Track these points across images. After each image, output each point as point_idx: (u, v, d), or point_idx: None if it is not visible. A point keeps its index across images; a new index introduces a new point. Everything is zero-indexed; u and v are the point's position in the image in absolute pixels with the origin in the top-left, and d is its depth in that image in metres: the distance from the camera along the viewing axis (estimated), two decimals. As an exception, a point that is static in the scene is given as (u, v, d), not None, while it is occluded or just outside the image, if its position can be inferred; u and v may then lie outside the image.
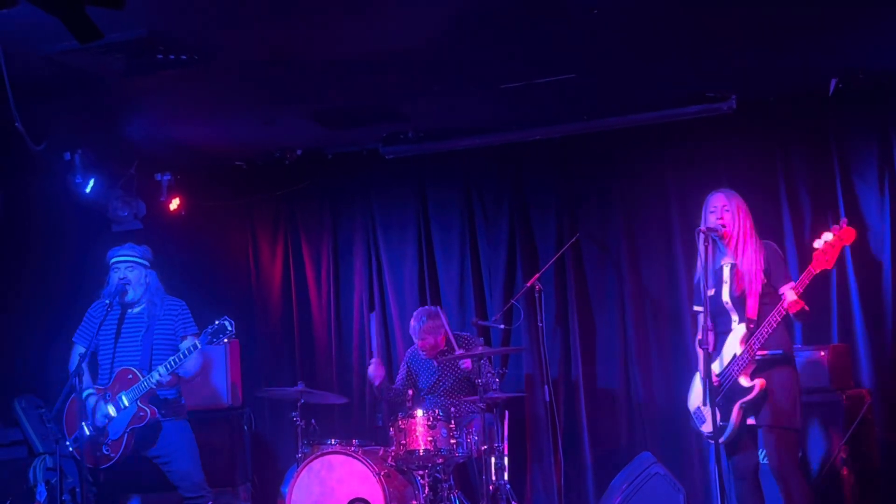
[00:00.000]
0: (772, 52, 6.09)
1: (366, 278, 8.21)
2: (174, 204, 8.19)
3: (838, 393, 6.28)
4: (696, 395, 5.42)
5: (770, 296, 5.10)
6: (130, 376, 5.56)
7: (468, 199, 7.98)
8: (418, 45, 5.69)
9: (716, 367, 5.12)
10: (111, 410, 5.54)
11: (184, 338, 5.74)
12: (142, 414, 5.52)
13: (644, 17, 5.41)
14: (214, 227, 8.58)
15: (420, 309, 7.13)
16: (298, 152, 8.02)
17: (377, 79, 6.30)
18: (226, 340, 5.61)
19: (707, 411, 5.14)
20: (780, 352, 5.08)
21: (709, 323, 4.99)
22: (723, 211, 5.22)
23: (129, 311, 5.77)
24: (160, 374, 5.47)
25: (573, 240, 7.42)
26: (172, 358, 5.51)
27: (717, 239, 5.24)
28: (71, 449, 5.60)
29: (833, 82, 6.59)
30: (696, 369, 5.48)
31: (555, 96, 6.79)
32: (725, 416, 5.09)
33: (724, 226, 5.19)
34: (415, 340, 7.04)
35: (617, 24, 5.48)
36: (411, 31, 5.45)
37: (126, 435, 5.53)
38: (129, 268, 5.74)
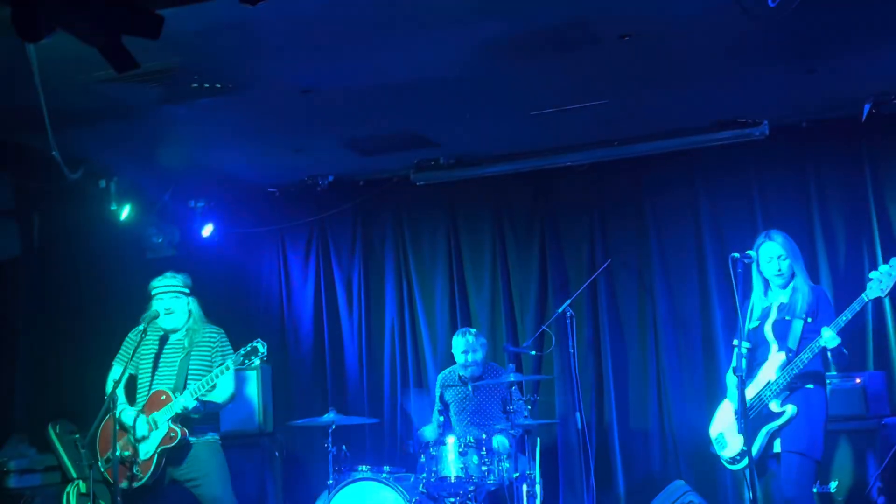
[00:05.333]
0: (804, 77, 6.06)
1: (397, 304, 8.23)
2: (207, 230, 8.25)
3: (875, 420, 6.20)
4: (718, 422, 5.45)
5: (813, 333, 5.10)
6: (164, 397, 5.61)
7: (499, 225, 7.99)
8: (450, 73, 5.71)
9: (749, 393, 5.10)
10: (146, 430, 5.58)
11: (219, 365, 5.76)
12: (172, 434, 5.55)
13: (675, 43, 5.40)
14: (247, 253, 8.65)
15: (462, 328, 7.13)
16: (330, 179, 8.06)
17: (409, 107, 6.33)
18: (258, 363, 5.61)
19: (731, 437, 5.24)
20: (812, 375, 5.08)
21: (743, 351, 5.03)
22: (780, 261, 5.29)
23: (171, 336, 5.82)
24: (185, 401, 5.51)
25: (605, 265, 7.38)
26: (199, 383, 5.54)
27: (770, 279, 5.33)
28: (103, 470, 5.64)
29: (866, 107, 6.54)
30: (725, 397, 5.54)
31: (585, 122, 6.78)
32: (751, 440, 5.07)
33: (779, 271, 5.28)
34: (460, 356, 6.95)
35: (648, 50, 5.47)
36: (442, 59, 5.47)
37: (156, 456, 5.55)
38: (174, 297, 5.80)
